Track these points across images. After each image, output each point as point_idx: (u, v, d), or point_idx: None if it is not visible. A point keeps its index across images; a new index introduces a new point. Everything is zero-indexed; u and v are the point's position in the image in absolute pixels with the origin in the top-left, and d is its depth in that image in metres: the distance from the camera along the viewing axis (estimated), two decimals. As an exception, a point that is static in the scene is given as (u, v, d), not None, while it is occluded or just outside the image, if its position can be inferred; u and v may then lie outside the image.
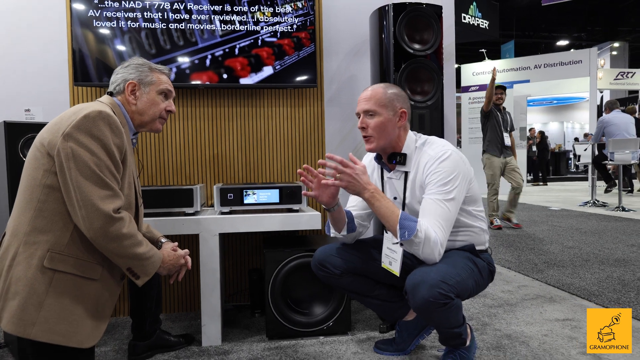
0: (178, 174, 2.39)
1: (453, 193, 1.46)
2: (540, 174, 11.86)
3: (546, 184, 11.61)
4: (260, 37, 2.32)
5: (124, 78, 1.44)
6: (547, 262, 3.33)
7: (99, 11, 2.18)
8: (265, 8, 2.32)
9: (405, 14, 2.09)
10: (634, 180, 8.71)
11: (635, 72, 12.53)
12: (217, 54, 2.29)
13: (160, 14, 2.23)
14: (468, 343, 1.59)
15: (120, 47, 2.20)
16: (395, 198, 1.64)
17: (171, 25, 2.25)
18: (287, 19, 2.33)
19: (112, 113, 1.32)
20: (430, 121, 2.12)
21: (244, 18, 2.31)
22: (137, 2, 2.21)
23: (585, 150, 6.86)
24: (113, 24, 2.20)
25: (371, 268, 1.66)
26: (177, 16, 2.25)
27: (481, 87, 9.81)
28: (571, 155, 13.75)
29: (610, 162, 6.26)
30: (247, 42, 2.31)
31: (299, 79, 2.36)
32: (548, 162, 13.36)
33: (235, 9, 2.29)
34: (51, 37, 2.27)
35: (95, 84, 2.22)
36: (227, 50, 2.30)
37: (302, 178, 1.53)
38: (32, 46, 2.26)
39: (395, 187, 1.64)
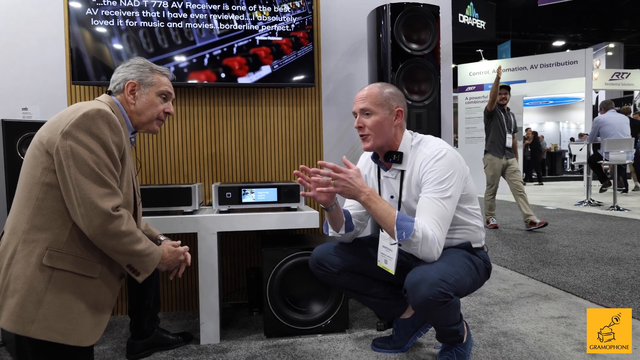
0: (176, 172, 2.39)
1: (449, 191, 1.48)
2: (535, 174, 11.92)
3: (542, 184, 11.67)
4: (258, 37, 2.32)
5: (124, 77, 1.45)
6: (543, 260, 3.35)
7: (97, 10, 2.17)
8: (263, 7, 2.32)
9: (402, 14, 2.11)
10: (628, 180, 8.77)
11: (630, 73, 12.62)
12: (215, 53, 2.30)
13: (158, 12, 2.23)
14: (464, 340, 1.61)
15: (118, 46, 2.20)
16: (392, 197, 1.66)
17: (169, 24, 2.25)
18: (285, 19, 2.34)
19: (111, 112, 1.32)
20: (427, 121, 2.14)
21: (242, 17, 2.31)
22: (135, 0, 2.21)
23: (581, 150, 6.91)
24: (111, 23, 2.19)
25: (369, 266, 1.68)
26: (175, 15, 2.25)
27: (478, 87, 9.85)
28: (567, 155, 13.83)
29: (605, 162, 6.31)
30: (245, 42, 2.32)
31: (297, 78, 2.37)
32: (544, 162, 13.44)
33: (234, 8, 2.29)
34: (48, 35, 2.27)
35: (93, 83, 2.22)
36: (225, 49, 2.31)
37: (299, 179, 1.54)
38: (29, 45, 2.26)
39: (391, 185, 1.65)
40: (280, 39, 2.34)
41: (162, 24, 2.24)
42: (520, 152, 9.89)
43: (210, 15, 2.28)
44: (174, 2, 2.24)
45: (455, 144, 10.00)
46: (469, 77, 10.11)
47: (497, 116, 4.67)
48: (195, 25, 2.27)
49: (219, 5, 2.28)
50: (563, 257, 3.43)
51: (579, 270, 3.04)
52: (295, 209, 2.06)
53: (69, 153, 1.22)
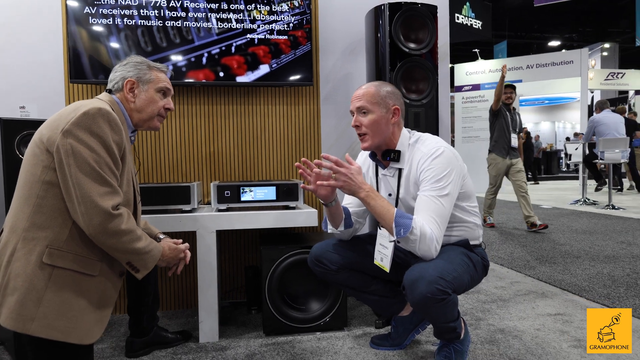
0: (174, 171, 2.39)
1: (447, 189, 1.49)
2: (530, 173, 11.98)
3: (537, 183, 11.73)
4: (256, 36, 2.33)
5: (122, 76, 1.45)
6: (539, 258, 3.38)
7: (95, 8, 2.17)
8: (261, 6, 2.33)
9: (401, 13, 2.12)
10: (623, 179, 8.84)
11: (625, 73, 12.70)
12: (213, 52, 2.30)
13: (156, 11, 2.23)
14: (462, 337, 1.62)
15: (116, 45, 2.20)
16: (389, 194, 1.67)
17: (167, 23, 2.25)
18: (283, 18, 2.35)
19: (111, 110, 1.32)
20: (425, 120, 2.15)
21: (240, 16, 2.31)
22: (133, -1, 2.21)
23: (576, 149, 6.95)
24: (109, 21, 2.19)
25: (367, 264, 1.69)
26: (173, 14, 2.25)
27: (474, 87, 9.89)
28: (562, 155, 13.90)
29: (600, 161, 6.35)
30: (243, 40, 2.32)
31: (295, 77, 2.37)
32: (538, 161, 13.50)
33: (232, 7, 2.30)
34: (46, 34, 2.26)
35: (91, 82, 2.21)
36: (223, 48, 2.31)
37: (300, 171, 1.54)
38: (26, 43, 2.25)
39: (389, 183, 1.66)
40: (278, 38, 2.34)
41: (160, 23, 2.24)
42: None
43: (209, 14, 2.28)
44: (172, 1, 2.24)
45: (452, 143, 10.03)
46: (466, 77, 10.14)
47: (503, 115, 4.60)
48: (193, 24, 2.27)
49: (217, 4, 2.28)
50: (559, 255, 3.45)
51: (575, 268, 3.07)
52: (294, 208, 2.07)
53: (70, 151, 1.23)
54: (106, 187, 1.26)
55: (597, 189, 8.20)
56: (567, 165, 13.86)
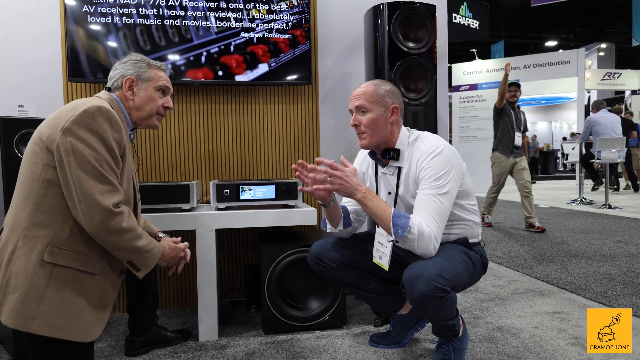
0: (173, 170, 2.39)
1: (446, 187, 1.49)
2: None
3: (534, 182, 11.77)
4: (255, 35, 2.33)
5: (121, 74, 1.45)
6: (537, 257, 3.39)
7: (93, 7, 2.17)
8: (260, 5, 2.33)
9: (399, 13, 2.12)
10: (620, 179, 8.88)
11: (621, 73, 12.77)
12: (212, 50, 2.30)
13: (155, 10, 2.23)
14: (460, 334, 1.62)
15: (115, 43, 2.20)
16: (389, 193, 1.67)
17: (166, 22, 2.25)
18: (282, 17, 2.35)
19: (111, 108, 1.33)
20: (424, 118, 2.16)
21: (239, 15, 2.31)
22: (132, -2, 2.20)
23: (573, 149, 6.98)
24: (107, 20, 2.19)
25: (366, 262, 1.69)
26: (172, 12, 2.25)
27: (471, 87, 9.92)
28: (559, 154, 13.96)
29: (597, 161, 6.38)
30: (242, 39, 2.32)
31: (294, 76, 2.37)
32: (537, 161, 13.54)
33: (231, 5, 2.30)
34: (44, 32, 2.25)
35: (89, 80, 2.21)
36: (222, 47, 2.31)
37: (297, 173, 1.55)
38: (25, 42, 2.25)
39: (389, 182, 1.67)
40: (277, 37, 2.35)
41: (159, 22, 2.24)
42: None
43: (208, 12, 2.28)
44: (171, 0, 2.24)
45: (450, 143, 10.04)
46: (463, 77, 10.17)
47: (507, 114, 4.54)
48: (192, 23, 2.27)
49: (216, 3, 2.28)
50: (556, 254, 3.47)
51: (572, 267, 3.09)
52: (293, 206, 2.07)
53: (70, 150, 1.22)
54: (107, 185, 1.26)
55: (593, 189, 8.24)
56: (564, 165, 13.92)
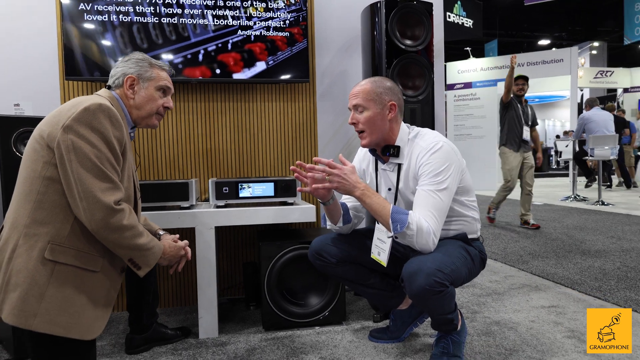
0: (171, 168, 2.39)
1: (445, 183, 1.51)
2: None
3: None
4: (253, 32, 2.33)
5: (123, 72, 1.45)
6: (532, 253, 3.43)
7: (90, 4, 2.16)
8: (258, 3, 2.33)
9: (397, 10, 2.14)
10: (612, 176, 8.98)
11: (613, 71, 12.89)
12: (209, 48, 2.30)
13: (152, 8, 2.22)
14: (459, 328, 1.64)
15: (112, 42, 2.19)
16: (389, 189, 1.69)
17: (163, 20, 2.24)
18: (279, 15, 2.36)
19: (112, 106, 1.33)
20: (421, 115, 2.17)
21: (236, 13, 2.32)
22: (129, -4, 2.20)
23: (567, 146, 7.05)
24: (104, 18, 2.18)
25: (366, 257, 1.70)
26: (169, 10, 2.25)
27: (466, 85, 9.96)
28: (552, 152, 14.07)
29: (590, 158, 6.44)
30: (240, 37, 2.33)
31: (291, 74, 2.38)
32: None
33: (228, 3, 2.30)
34: (41, 31, 2.24)
35: (86, 78, 2.20)
36: (220, 45, 2.31)
37: (295, 174, 1.56)
38: (20, 40, 2.23)
39: (389, 178, 1.68)
40: (275, 34, 2.35)
41: (156, 20, 2.24)
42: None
43: (205, 10, 2.28)
44: (168, -2, 2.24)
45: (445, 141, 10.03)
46: (458, 75, 10.22)
47: (513, 108, 4.43)
48: (189, 21, 2.27)
49: (213, 1, 2.28)
50: (551, 250, 3.51)
51: (566, 262, 3.12)
52: (291, 204, 2.08)
53: (71, 147, 1.22)
54: (108, 183, 1.26)
55: (587, 186, 8.33)
56: (558, 163, 14.02)
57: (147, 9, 2.22)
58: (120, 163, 1.33)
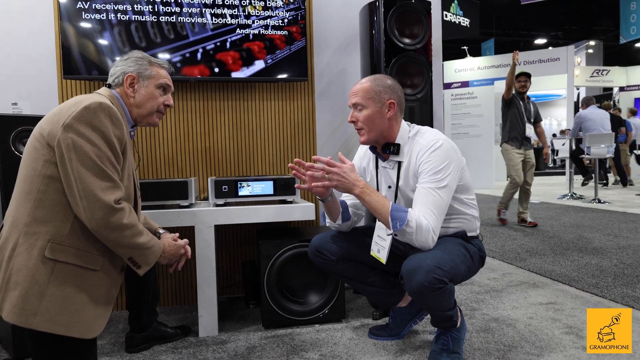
0: (170, 167, 2.39)
1: (445, 181, 1.52)
2: None
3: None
4: (251, 31, 2.33)
5: (123, 71, 1.45)
6: (529, 251, 3.44)
7: (88, 3, 2.16)
8: (256, 2, 2.33)
9: (395, 9, 2.14)
10: (609, 174, 9.02)
11: (609, 70, 12.96)
12: (208, 47, 2.30)
13: (150, 6, 2.22)
14: (458, 325, 1.65)
15: (110, 40, 2.19)
16: (389, 187, 1.70)
17: (162, 18, 2.24)
18: (278, 13, 2.36)
19: (112, 105, 1.33)
20: (420, 114, 2.18)
21: (235, 12, 2.32)
22: (127, -6, 2.19)
23: (563, 145, 7.07)
24: (102, 17, 2.18)
25: (366, 255, 1.71)
26: (167, 9, 2.24)
27: (463, 84, 9.99)
28: (549, 151, 14.13)
29: (586, 156, 6.47)
30: (238, 36, 2.33)
31: (290, 72, 2.38)
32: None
33: (227, 2, 2.30)
34: (38, 29, 2.23)
35: (84, 77, 2.20)
36: (218, 43, 2.31)
37: (293, 172, 1.56)
38: (18, 39, 2.23)
39: (389, 176, 1.69)
40: (273, 33, 2.35)
41: (154, 18, 2.23)
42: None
43: (203, 9, 2.28)
44: (166, -4, 2.24)
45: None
46: (455, 74, 10.24)
47: (515, 105, 4.39)
48: (188, 20, 2.27)
49: None
50: (548, 248, 3.53)
51: (564, 259, 3.14)
52: (291, 202, 2.09)
53: (71, 146, 1.22)
54: (108, 182, 1.26)
55: (583, 184, 8.36)
56: (554, 161, 14.08)
57: (146, 8, 2.22)
58: (120, 162, 1.33)
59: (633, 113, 9.17)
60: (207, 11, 2.28)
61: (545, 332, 1.89)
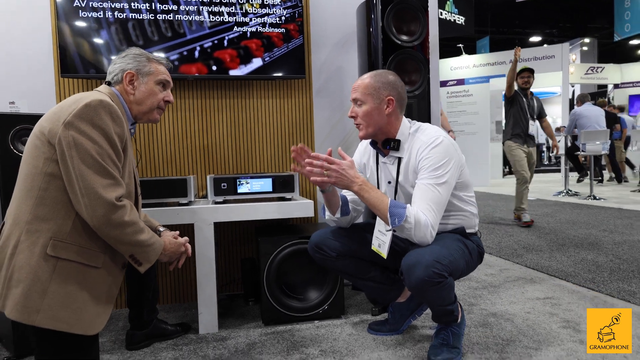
0: (168, 165, 2.39)
1: (445, 177, 1.53)
2: (507, 167, 12.18)
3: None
4: (249, 29, 2.34)
5: (121, 68, 1.45)
6: (526, 247, 3.47)
7: (85, 1, 2.15)
8: None
9: (393, 6, 2.15)
10: (604, 171, 9.09)
11: (604, 67, 13.03)
12: (205, 45, 2.30)
13: (147, 4, 2.22)
14: (459, 320, 1.67)
15: (107, 39, 2.18)
16: (389, 182, 1.71)
17: (159, 16, 2.24)
18: (275, 11, 2.36)
19: (112, 102, 1.33)
20: (417, 110, 2.19)
21: (232, 9, 2.32)
22: (124, -8, 2.19)
23: (559, 142, 7.11)
24: (99, 15, 2.17)
25: (366, 251, 1.72)
26: (164, 7, 2.24)
27: (459, 82, 10.02)
28: (544, 148, 14.19)
29: (582, 153, 6.51)
30: (236, 34, 2.33)
31: (287, 70, 2.39)
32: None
33: (224, 0, 2.30)
34: (35, 28, 2.23)
35: (82, 76, 2.19)
36: (215, 41, 2.31)
37: (293, 155, 1.57)
38: (15, 37, 2.22)
39: (389, 171, 1.70)
40: (270, 31, 2.36)
41: (151, 16, 2.23)
42: (499, 145, 10.06)
43: (201, 7, 2.28)
44: (163, -6, 2.23)
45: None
46: (450, 72, 10.28)
47: (518, 101, 4.32)
48: (185, 18, 2.27)
49: (209, -3, 2.28)
50: (545, 244, 3.55)
51: (560, 255, 3.17)
52: (289, 199, 2.09)
53: (72, 143, 1.23)
54: (109, 179, 1.26)
55: (578, 181, 8.42)
56: (550, 158, 14.15)
57: (143, 6, 2.22)
58: (121, 159, 1.33)
59: (621, 110, 9.24)
60: (205, 9, 2.28)
61: (542, 326, 1.91)
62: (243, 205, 1.99)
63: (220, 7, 2.30)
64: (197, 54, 2.28)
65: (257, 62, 2.35)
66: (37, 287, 1.20)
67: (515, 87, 4.40)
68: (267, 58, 2.37)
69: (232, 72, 2.32)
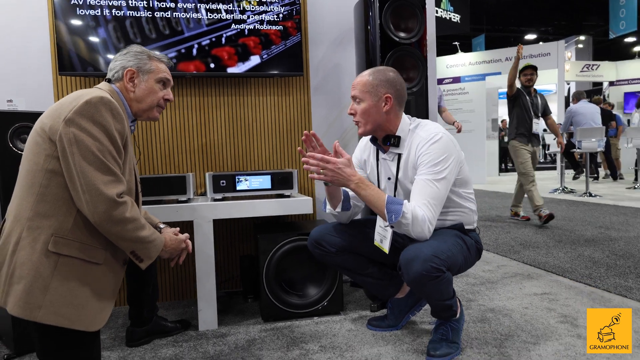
0: (167, 163, 2.39)
1: (444, 173, 1.54)
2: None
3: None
4: (246, 26, 2.34)
5: (122, 65, 1.45)
6: (523, 243, 3.49)
7: (82, -1, 2.14)
8: (251, -3, 2.33)
9: (391, 3, 2.16)
10: (599, 168, 9.14)
11: (599, 65, 13.09)
12: (203, 43, 2.30)
13: (145, 2, 2.21)
14: (458, 315, 1.68)
15: (105, 36, 2.18)
16: (389, 178, 1.72)
17: (156, 14, 2.23)
18: (273, 8, 2.36)
19: (113, 99, 1.33)
20: (415, 107, 2.20)
21: (230, 7, 2.32)
22: (121, -10, 2.18)
23: (554, 139, 7.14)
24: (97, 12, 2.17)
25: (365, 247, 1.73)
26: (162, 4, 2.24)
27: (455, 80, 10.05)
28: (540, 146, 14.27)
29: (577, 150, 6.55)
30: (233, 31, 2.33)
31: (285, 68, 2.39)
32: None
33: (222, -3, 2.30)
34: (32, 26, 2.22)
35: (79, 74, 2.19)
36: (213, 39, 2.31)
37: (303, 137, 1.59)
38: (12, 35, 2.21)
39: (389, 167, 1.71)
40: (268, 28, 2.36)
41: (149, 14, 2.23)
42: (495, 142, 10.09)
43: (198, 4, 2.28)
44: (161, -8, 2.23)
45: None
46: (446, 70, 10.30)
47: (521, 100, 4.26)
48: (183, 15, 2.27)
49: (207, -5, 2.28)
50: (542, 240, 3.58)
51: (557, 251, 3.19)
52: (288, 196, 2.10)
53: (73, 140, 1.23)
54: (110, 176, 1.26)
55: (574, 178, 8.47)
56: (545, 156, 14.22)
57: (140, 3, 2.21)
58: (122, 156, 1.33)
59: (611, 107, 9.29)
60: (202, 7, 2.28)
61: (540, 321, 1.93)
62: (242, 202, 1.99)
63: (218, 4, 2.30)
64: (195, 51, 2.28)
65: (255, 60, 2.36)
66: (38, 283, 1.21)
67: (518, 85, 4.35)
68: (265, 55, 2.37)
69: (230, 70, 2.32)
